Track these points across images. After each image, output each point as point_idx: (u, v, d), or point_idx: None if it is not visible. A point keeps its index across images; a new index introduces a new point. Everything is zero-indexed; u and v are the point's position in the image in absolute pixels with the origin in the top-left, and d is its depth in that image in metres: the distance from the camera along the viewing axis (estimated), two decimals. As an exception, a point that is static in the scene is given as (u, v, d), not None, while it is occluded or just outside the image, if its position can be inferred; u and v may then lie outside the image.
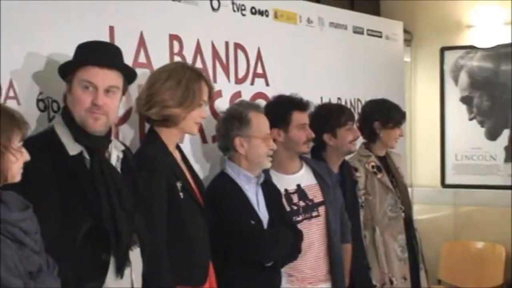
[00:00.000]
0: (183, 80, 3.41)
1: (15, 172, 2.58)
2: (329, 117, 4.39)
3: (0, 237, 2.57)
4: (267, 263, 3.71)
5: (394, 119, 4.76)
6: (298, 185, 4.09)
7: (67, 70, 3.02)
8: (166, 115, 3.38)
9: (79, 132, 2.97)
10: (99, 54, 3.04)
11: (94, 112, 2.94)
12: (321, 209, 4.10)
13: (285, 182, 4.05)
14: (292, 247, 3.82)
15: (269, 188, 3.88)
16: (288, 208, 3.99)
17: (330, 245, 4.11)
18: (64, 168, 2.89)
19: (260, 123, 3.76)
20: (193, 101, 3.39)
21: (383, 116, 4.74)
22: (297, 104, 4.09)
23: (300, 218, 4.02)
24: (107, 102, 2.98)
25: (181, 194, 3.36)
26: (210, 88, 3.51)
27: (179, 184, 3.36)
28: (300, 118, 4.07)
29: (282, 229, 3.77)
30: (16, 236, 2.64)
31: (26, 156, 2.58)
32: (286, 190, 4.03)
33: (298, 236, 3.88)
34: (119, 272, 3.01)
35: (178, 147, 3.59)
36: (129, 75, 3.14)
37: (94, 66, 2.97)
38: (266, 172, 3.88)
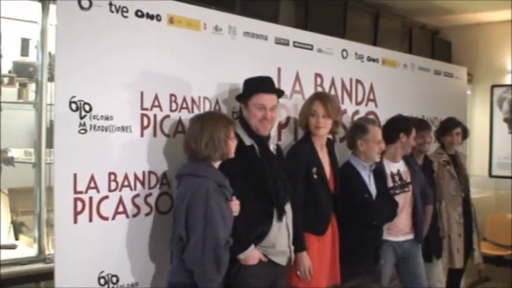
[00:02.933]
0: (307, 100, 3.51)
1: (232, 152, 2.76)
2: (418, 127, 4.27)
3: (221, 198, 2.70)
4: (374, 223, 3.67)
5: (449, 130, 4.63)
6: (398, 170, 4.01)
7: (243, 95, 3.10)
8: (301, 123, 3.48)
9: (253, 133, 3.04)
10: (264, 85, 3.11)
11: (264, 123, 3.04)
12: (410, 187, 4.02)
13: (391, 167, 3.98)
14: (390, 211, 3.77)
15: (378, 174, 3.81)
16: (391, 184, 3.91)
17: (415, 210, 4.01)
18: (244, 154, 2.97)
19: (375, 132, 3.72)
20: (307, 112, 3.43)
21: (443, 127, 4.64)
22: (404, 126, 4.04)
23: (398, 191, 3.93)
24: (273, 116, 3.06)
25: (314, 176, 3.36)
26: (324, 105, 3.43)
27: (314, 169, 3.36)
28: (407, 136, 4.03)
29: (385, 200, 3.72)
30: (228, 197, 2.77)
31: (235, 142, 2.76)
32: (391, 172, 3.96)
33: (395, 204, 3.82)
34: (280, 218, 3.06)
35: (328, 146, 3.57)
36: (280, 95, 3.20)
37: (264, 93, 3.05)
38: (380, 161, 3.85)
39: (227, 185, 2.75)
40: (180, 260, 2.68)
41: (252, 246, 2.95)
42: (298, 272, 3.26)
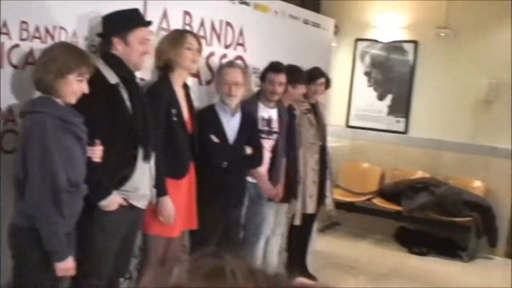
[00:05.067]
0: (172, 35, 3.35)
1: (77, 92, 2.55)
2: (291, 74, 4.28)
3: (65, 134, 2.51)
4: (221, 166, 3.64)
5: (314, 80, 4.71)
6: (270, 116, 4.05)
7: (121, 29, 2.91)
8: (165, 59, 3.29)
9: (122, 70, 2.91)
10: (143, 18, 3.00)
11: (144, 58, 3.00)
12: (275, 136, 4.07)
13: (264, 112, 4.01)
14: (251, 158, 3.79)
15: (248, 119, 3.80)
16: (260, 127, 3.95)
17: (275, 158, 4.07)
18: (107, 92, 2.84)
19: (228, 73, 3.68)
20: (180, 45, 3.28)
21: (308, 77, 4.69)
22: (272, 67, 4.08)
23: (263, 136, 3.98)
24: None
25: (174, 118, 3.27)
26: (198, 40, 3.38)
27: (173, 111, 3.27)
28: (274, 77, 4.05)
29: (237, 146, 3.70)
30: (80, 135, 2.58)
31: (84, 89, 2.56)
32: (262, 117, 4.01)
33: (258, 151, 3.83)
34: (145, 159, 2.97)
35: (185, 88, 3.48)
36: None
37: (145, 26, 2.96)
38: (254, 103, 3.83)
39: (77, 123, 2.57)
40: (22, 203, 2.49)
41: (114, 192, 2.85)
42: (161, 218, 3.19)
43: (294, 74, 4.30)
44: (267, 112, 4.06)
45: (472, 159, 6.43)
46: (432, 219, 6.17)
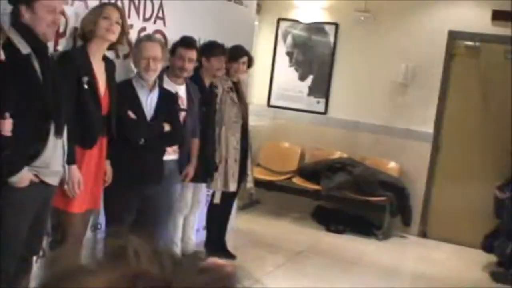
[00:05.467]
0: (95, 6, 3.30)
1: None
2: (207, 48, 4.25)
3: None
4: (138, 143, 3.55)
5: (237, 58, 4.67)
6: (176, 92, 3.97)
7: None
8: (83, 29, 3.23)
9: (34, 40, 2.78)
10: None
11: (53, 28, 2.89)
12: (183, 113, 4.01)
13: (170, 88, 3.92)
14: (169, 136, 3.72)
15: (165, 94, 3.72)
16: None
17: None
18: (19, 63, 2.70)
19: (144, 48, 3.59)
20: (97, 15, 3.22)
21: (231, 55, 4.65)
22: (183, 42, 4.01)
23: None
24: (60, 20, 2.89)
25: (85, 85, 3.15)
26: (120, 12, 3.33)
27: (85, 79, 3.15)
28: (184, 53, 3.97)
29: (156, 123, 3.62)
30: None
31: None
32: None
33: (177, 130, 3.77)
34: (58, 134, 2.87)
35: (107, 63, 3.37)
36: None
37: None
38: (160, 78, 3.76)
39: None
40: None
41: (25, 168, 2.72)
42: (66, 186, 3.08)
43: (209, 47, 4.26)
44: (173, 88, 3.96)
45: (388, 140, 6.61)
46: (349, 198, 6.32)
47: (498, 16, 6.13)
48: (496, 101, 6.26)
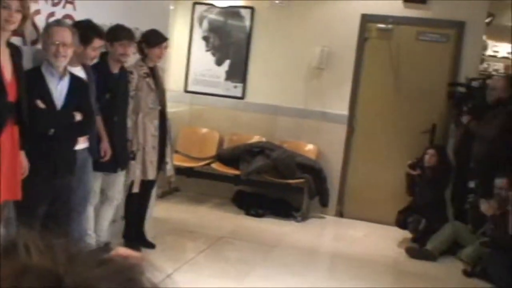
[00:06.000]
0: None
1: None
2: (111, 33, 4.14)
3: None
4: (47, 133, 3.43)
5: (155, 42, 4.59)
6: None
7: None
8: None
9: None
10: None
11: None
12: None
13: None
14: (80, 125, 3.59)
15: (76, 81, 3.58)
16: None
17: None
18: None
19: (53, 33, 3.45)
20: None
21: (148, 39, 4.56)
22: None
23: None
24: None
25: None
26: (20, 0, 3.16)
27: None
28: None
29: (66, 112, 3.50)
30: None
31: None
32: None
33: (88, 119, 3.64)
34: None
35: (13, 50, 3.21)
36: None
37: None
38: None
39: None
40: None
41: None
42: None
43: (112, 32, 4.14)
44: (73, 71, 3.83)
45: (305, 123, 6.71)
46: (268, 181, 6.39)
47: (409, -2, 6.33)
48: (408, 82, 6.48)
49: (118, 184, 4.40)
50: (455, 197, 5.85)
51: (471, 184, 5.76)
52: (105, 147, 4.08)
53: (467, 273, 5.07)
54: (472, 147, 5.59)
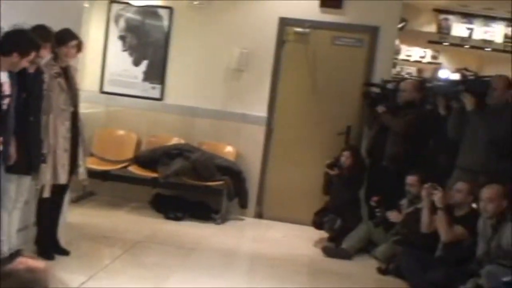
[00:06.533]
0: None
1: None
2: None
3: None
4: None
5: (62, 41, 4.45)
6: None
7: None
8: None
9: None
10: None
11: None
12: (8, 99, 3.76)
13: None
14: None
15: None
16: None
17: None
18: None
19: None
20: None
21: (57, 38, 4.41)
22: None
23: None
24: None
25: None
26: None
27: None
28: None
29: None
30: None
31: None
32: None
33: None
34: None
35: None
36: None
37: None
38: None
39: None
40: None
41: None
42: None
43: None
44: None
45: (224, 125, 6.71)
46: (187, 184, 6.34)
47: (326, 3, 6.47)
48: (325, 84, 6.61)
49: (24, 186, 4.22)
50: (368, 196, 6.01)
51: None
52: (12, 152, 3.90)
53: (381, 271, 5.23)
54: (385, 146, 5.82)
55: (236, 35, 6.64)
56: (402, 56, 13.21)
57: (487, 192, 4.35)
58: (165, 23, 6.79)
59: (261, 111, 6.65)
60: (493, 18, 9.33)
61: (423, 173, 5.26)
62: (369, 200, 5.81)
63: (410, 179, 5.36)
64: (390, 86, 6.22)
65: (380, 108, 5.92)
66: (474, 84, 4.92)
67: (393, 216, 5.48)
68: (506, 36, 9.40)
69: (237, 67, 6.64)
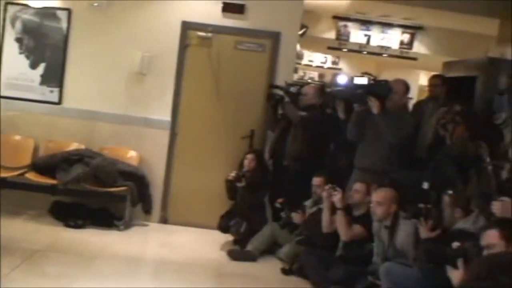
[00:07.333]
0: None
1: None
2: None
3: None
4: None
5: None
6: None
7: None
8: None
9: None
10: None
11: None
12: None
13: None
14: None
15: None
16: None
17: None
18: None
19: None
20: None
21: None
22: None
23: None
24: None
25: None
26: None
27: None
28: None
29: None
30: None
31: None
32: None
33: None
34: None
35: None
36: None
37: None
38: None
39: None
40: None
41: None
42: None
43: None
44: None
45: (127, 130, 6.62)
46: (88, 190, 6.20)
47: (228, 8, 6.55)
48: (228, 89, 6.68)
49: None
50: (273, 198, 6.13)
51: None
52: None
53: (285, 271, 5.36)
54: (286, 148, 6.00)
55: (138, 38, 6.58)
56: (305, 61, 13.61)
57: (376, 195, 4.55)
58: (64, 25, 6.62)
59: (165, 115, 6.63)
60: (389, 25, 9.79)
61: (328, 174, 5.44)
62: (274, 201, 5.92)
63: (316, 180, 5.53)
64: (293, 89, 6.39)
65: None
66: (376, 88, 5.10)
67: (297, 217, 5.62)
68: (401, 43, 9.90)
69: (139, 70, 6.57)
